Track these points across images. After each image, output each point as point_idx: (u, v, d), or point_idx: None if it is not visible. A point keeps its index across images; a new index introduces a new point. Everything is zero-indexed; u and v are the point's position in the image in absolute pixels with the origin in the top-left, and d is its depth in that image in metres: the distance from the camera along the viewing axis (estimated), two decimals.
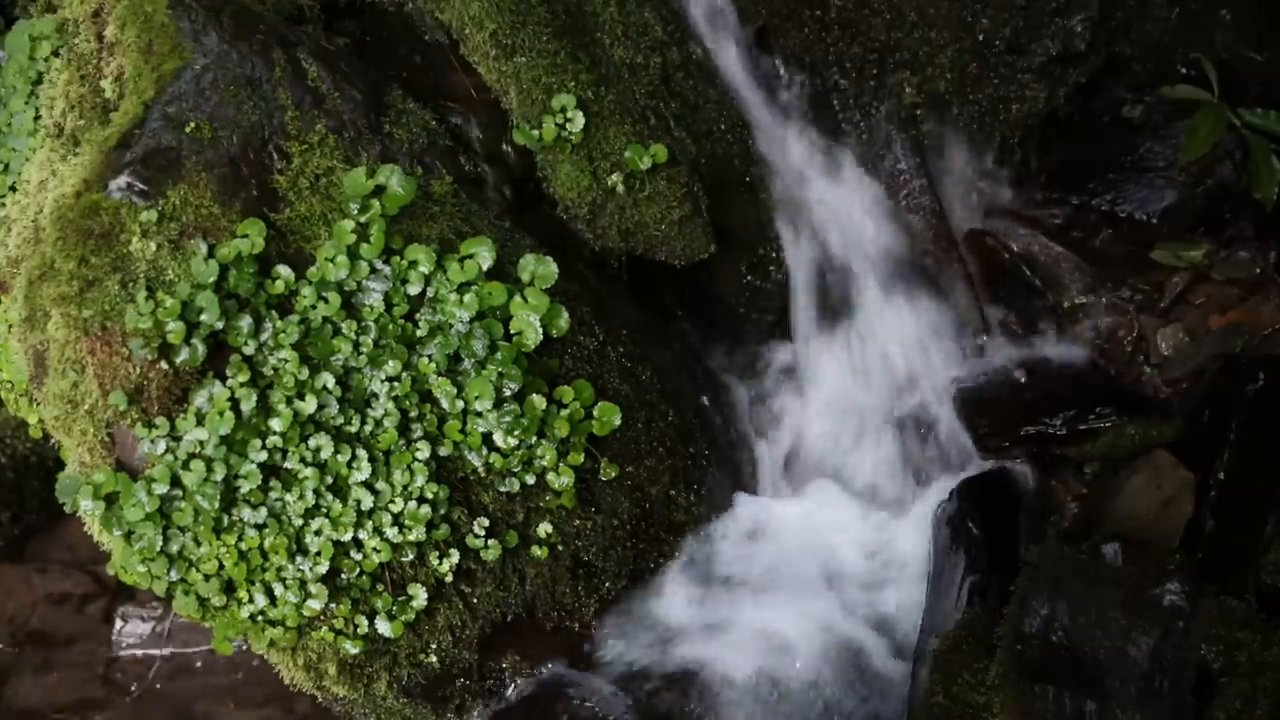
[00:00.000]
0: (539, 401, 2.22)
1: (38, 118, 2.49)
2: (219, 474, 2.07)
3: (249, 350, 2.10)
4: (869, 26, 2.64)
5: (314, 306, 2.13)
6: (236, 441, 2.08)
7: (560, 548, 2.33)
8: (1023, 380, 2.72)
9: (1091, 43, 2.60)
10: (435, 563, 2.21)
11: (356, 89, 2.30)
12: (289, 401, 2.10)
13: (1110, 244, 2.74)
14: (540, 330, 2.23)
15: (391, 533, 2.15)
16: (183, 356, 2.07)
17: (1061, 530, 2.57)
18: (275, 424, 2.09)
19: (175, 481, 2.08)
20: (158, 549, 2.09)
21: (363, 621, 2.18)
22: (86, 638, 2.90)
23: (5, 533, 3.00)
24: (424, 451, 2.16)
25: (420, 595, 2.19)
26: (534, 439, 2.23)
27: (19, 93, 2.54)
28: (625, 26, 2.50)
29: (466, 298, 2.18)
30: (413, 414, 2.17)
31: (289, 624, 2.16)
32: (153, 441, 2.08)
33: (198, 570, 2.12)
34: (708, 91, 2.64)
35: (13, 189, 2.53)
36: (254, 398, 2.08)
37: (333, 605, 2.15)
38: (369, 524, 2.14)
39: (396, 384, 2.16)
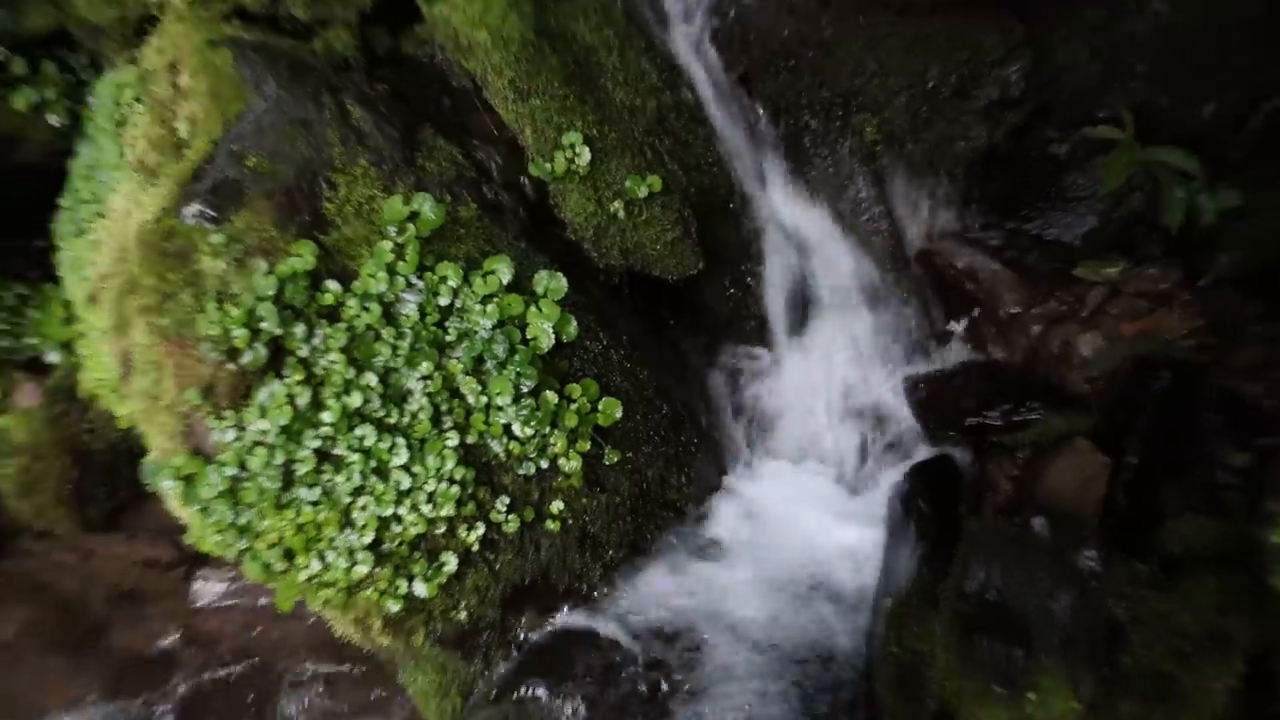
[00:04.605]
0: (551, 397, 2.23)
1: (122, 155, 2.50)
2: (279, 459, 2.10)
3: (303, 353, 2.12)
4: (835, 75, 2.63)
5: (358, 315, 2.15)
6: (293, 431, 2.11)
7: (570, 522, 2.35)
8: (966, 378, 2.72)
9: (1025, 90, 2.60)
10: (464, 534, 2.23)
11: (394, 128, 2.31)
12: (338, 397, 2.12)
13: (1040, 262, 2.74)
14: (552, 336, 2.24)
15: (426, 509, 2.17)
16: (247, 358, 2.09)
17: (997, 506, 2.57)
18: (326, 416, 2.11)
19: (242, 465, 2.11)
20: (228, 522, 2.13)
21: (402, 584, 2.20)
22: (170, 596, 2.94)
23: (102, 507, 3.03)
24: (453, 440, 2.18)
25: (451, 562, 2.22)
26: (547, 429, 2.24)
27: (108, 133, 2.55)
28: (625, 73, 2.50)
29: (489, 308, 2.20)
30: (443, 408, 2.19)
31: (340, 586, 2.18)
32: (222, 431, 2.11)
33: (262, 540, 2.14)
34: (697, 130, 2.64)
35: (101, 216, 2.53)
36: (308, 394, 2.10)
37: (377, 570, 2.18)
38: (407, 501, 2.17)
39: (429, 382, 2.17)
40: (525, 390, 2.21)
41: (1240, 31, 2.47)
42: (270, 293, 2.08)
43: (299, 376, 2.10)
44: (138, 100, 2.46)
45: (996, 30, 2.56)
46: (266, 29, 2.46)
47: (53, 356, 3.00)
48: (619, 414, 2.32)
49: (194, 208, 2.13)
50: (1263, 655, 1.94)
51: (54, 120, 2.79)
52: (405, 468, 2.15)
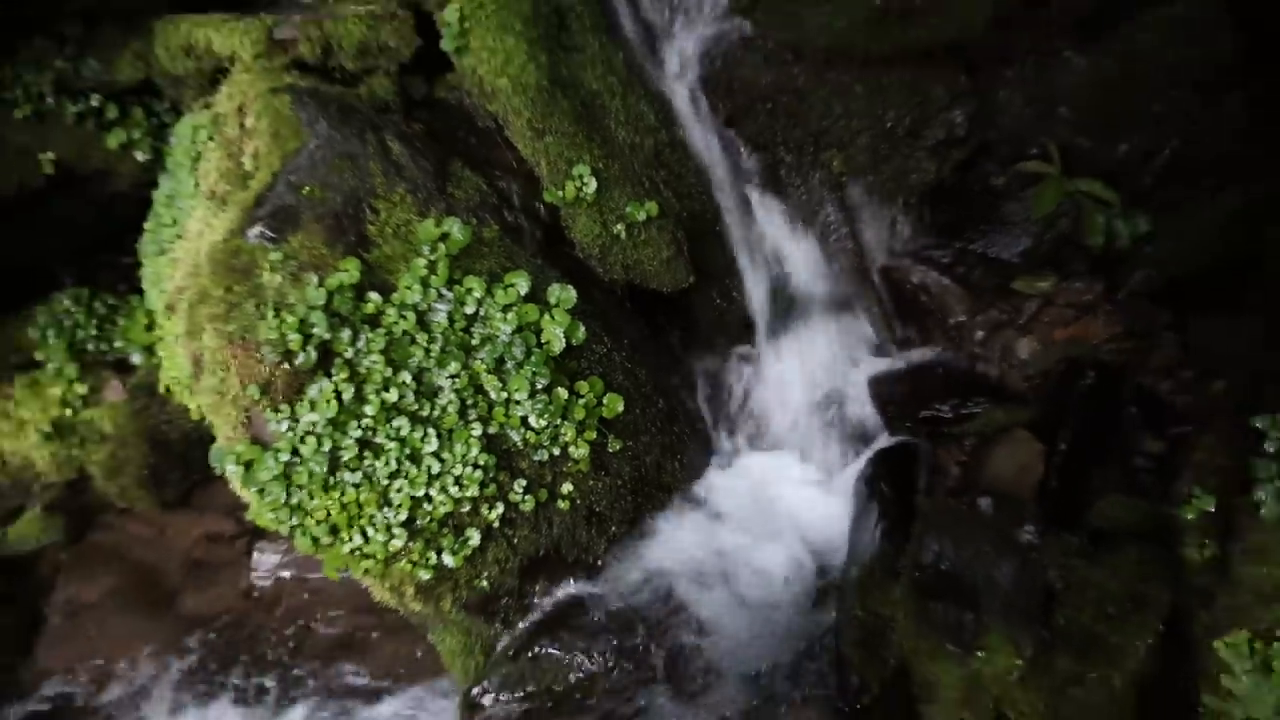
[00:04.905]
0: (562, 393, 2.19)
1: (197, 185, 2.47)
2: (326, 446, 2.06)
3: (348, 355, 2.09)
4: (807, 117, 2.61)
5: (396, 322, 2.11)
6: (339, 422, 2.07)
7: (578, 501, 2.31)
8: (920, 377, 2.69)
9: (968, 131, 2.58)
10: (486, 512, 2.18)
11: (428, 161, 2.28)
12: (378, 393, 2.09)
13: (983, 278, 2.72)
14: (564, 340, 2.20)
15: (454, 490, 2.13)
16: (300, 359, 2.05)
17: (948, 488, 2.55)
18: (368, 409, 2.07)
19: (294, 452, 2.07)
20: (282, 501, 2.08)
21: (432, 556, 2.16)
22: (233, 565, 2.90)
23: (176, 488, 3.00)
24: (477, 430, 2.14)
25: (475, 536, 2.17)
26: (559, 420, 2.20)
27: (185, 167, 2.53)
28: (626, 115, 2.48)
29: (509, 315, 2.16)
30: (469, 402, 2.15)
31: (378, 557, 2.14)
32: (278, 422, 2.07)
33: (311, 517, 2.10)
34: (688, 163, 2.61)
35: (178, 237, 2.51)
36: (352, 390, 2.07)
37: (410, 544, 2.13)
38: (437, 484, 2.12)
39: (457, 380, 2.14)
40: (540, 387, 2.17)
41: (1147, 84, 2.45)
42: (320, 303, 2.05)
43: (344, 375, 2.06)
44: (210, 139, 2.43)
45: (944, 80, 2.54)
46: (319, 78, 2.43)
47: (136, 358, 2.97)
48: (621, 408, 2.28)
49: (256, 230, 2.10)
50: (1176, 617, 1.91)
51: (140, 156, 2.78)
52: (436, 454, 2.11)
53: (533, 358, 2.16)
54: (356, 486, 2.08)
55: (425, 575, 2.15)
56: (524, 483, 2.20)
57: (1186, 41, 2.39)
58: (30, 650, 2.73)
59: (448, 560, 2.15)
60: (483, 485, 2.14)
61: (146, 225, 2.66)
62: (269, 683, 2.60)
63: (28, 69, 2.60)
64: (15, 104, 2.60)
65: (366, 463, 2.09)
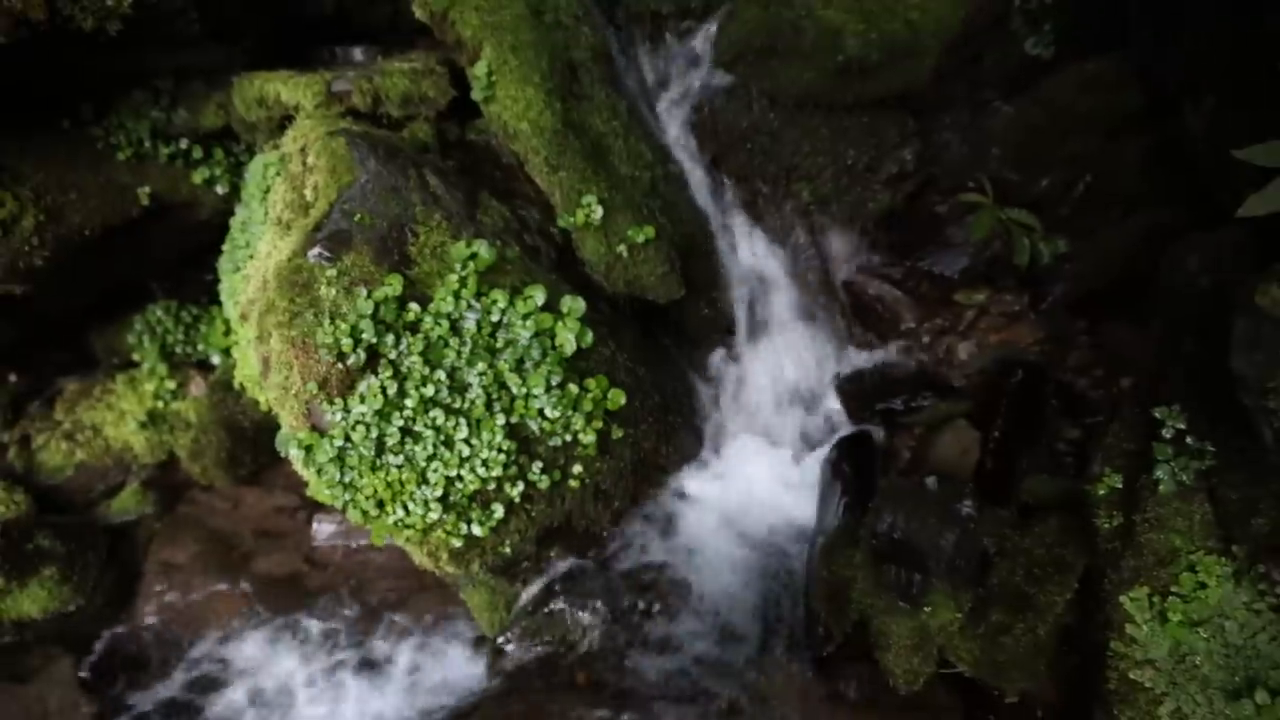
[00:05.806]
0: (573, 388, 2.19)
1: (266, 213, 2.47)
2: (374, 434, 2.05)
3: (392, 356, 2.08)
4: (780, 154, 2.61)
5: (433, 328, 2.10)
6: (384, 413, 2.06)
7: (587, 480, 2.30)
8: (877, 374, 2.68)
9: (916, 166, 2.58)
10: (509, 490, 2.17)
11: (460, 192, 2.28)
12: (417, 388, 2.08)
13: (929, 290, 2.72)
14: (574, 343, 2.19)
15: (481, 471, 2.12)
16: (351, 360, 2.05)
17: (899, 468, 2.54)
18: (408, 402, 2.07)
19: (347, 438, 2.06)
20: (336, 480, 2.07)
21: (463, 527, 2.15)
22: (296, 534, 2.88)
23: (248, 468, 2.99)
24: (501, 420, 2.14)
25: (499, 510, 2.16)
26: (570, 412, 2.20)
27: (257, 198, 2.52)
28: (628, 153, 2.47)
29: (528, 322, 2.15)
30: (494, 396, 2.14)
31: (418, 528, 2.13)
32: (333, 413, 2.06)
33: (361, 493, 2.09)
34: (680, 194, 2.60)
35: (250, 257, 2.50)
36: (395, 386, 2.06)
37: (445, 516, 2.12)
38: (467, 465, 2.12)
39: (484, 377, 2.13)
40: (554, 383, 2.16)
41: (1064, 129, 2.45)
42: (369, 312, 2.04)
43: (389, 373, 2.06)
44: (278, 174, 2.43)
45: (895, 125, 2.54)
46: (370, 123, 2.43)
47: (215, 359, 2.98)
48: (623, 401, 2.27)
49: (316, 250, 2.09)
50: (1090, 577, 1.90)
51: (220, 190, 2.78)
52: (466, 440, 2.10)
53: (548, 358, 2.15)
54: (399, 468, 2.08)
55: (457, 543, 2.15)
56: (540, 464, 2.19)
57: (1098, 95, 2.40)
58: (132, 601, 2.73)
59: (476, 530, 2.15)
60: (506, 467, 2.14)
61: (224, 247, 2.67)
62: (326, 629, 2.60)
63: (129, 118, 2.62)
64: (119, 148, 2.62)
65: (407, 448, 2.08)
